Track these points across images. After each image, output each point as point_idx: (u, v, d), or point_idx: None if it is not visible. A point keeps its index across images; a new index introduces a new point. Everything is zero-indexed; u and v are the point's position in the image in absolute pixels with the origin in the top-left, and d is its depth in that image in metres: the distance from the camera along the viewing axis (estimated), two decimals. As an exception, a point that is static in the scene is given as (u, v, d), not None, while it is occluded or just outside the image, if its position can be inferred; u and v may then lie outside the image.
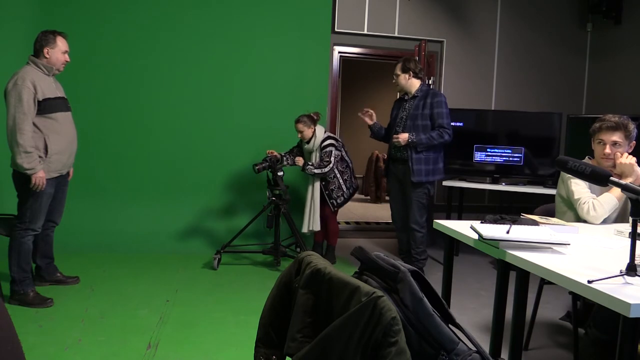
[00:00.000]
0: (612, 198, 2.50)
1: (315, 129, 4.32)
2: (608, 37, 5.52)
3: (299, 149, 4.52)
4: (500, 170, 4.92)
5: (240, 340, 2.79)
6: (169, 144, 4.91)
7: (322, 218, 4.39)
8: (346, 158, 4.41)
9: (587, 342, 2.58)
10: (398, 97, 4.29)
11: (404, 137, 3.87)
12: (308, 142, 4.34)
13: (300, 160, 4.30)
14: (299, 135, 4.34)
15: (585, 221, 2.54)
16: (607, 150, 2.56)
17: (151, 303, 3.30)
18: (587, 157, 2.71)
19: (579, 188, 2.57)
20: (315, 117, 4.34)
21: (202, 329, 2.94)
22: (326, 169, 4.27)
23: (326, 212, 4.41)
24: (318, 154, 4.33)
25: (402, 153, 3.97)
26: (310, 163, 4.28)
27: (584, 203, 2.52)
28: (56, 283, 3.56)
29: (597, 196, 2.56)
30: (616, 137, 2.55)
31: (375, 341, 1.04)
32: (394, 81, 4.08)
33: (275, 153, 4.29)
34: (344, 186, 4.39)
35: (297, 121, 4.29)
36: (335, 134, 4.94)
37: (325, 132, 4.39)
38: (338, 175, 4.35)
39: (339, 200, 4.41)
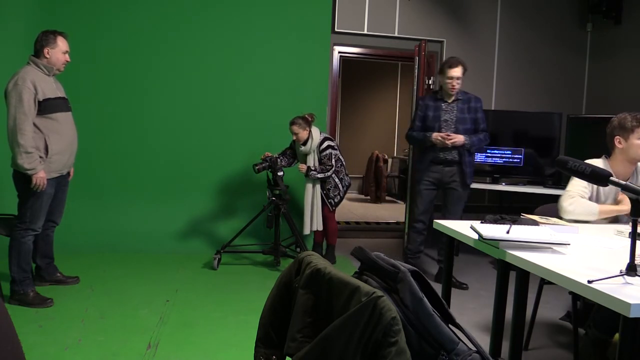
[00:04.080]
0: (595, 208, 2.51)
1: (310, 131, 4.31)
2: (608, 37, 5.52)
3: (292, 150, 4.50)
4: (501, 171, 4.92)
5: (240, 340, 2.79)
6: (169, 144, 4.90)
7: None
8: (341, 157, 4.42)
9: (587, 342, 2.58)
10: (426, 95, 4.06)
11: (460, 139, 3.82)
12: (304, 144, 4.32)
13: (303, 167, 4.28)
14: (294, 138, 4.33)
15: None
16: None
17: (151, 303, 3.30)
18: (603, 157, 2.65)
19: (578, 183, 2.56)
20: (309, 119, 4.33)
21: (202, 329, 2.94)
22: (329, 173, 4.28)
23: (324, 212, 4.41)
24: (316, 156, 4.32)
25: (453, 155, 3.90)
26: (313, 168, 4.27)
27: (571, 197, 2.54)
28: (56, 283, 3.56)
29: (606, 202, 2.57)
30: None
31: (375, 341, 1.04)
32: (456, 84, 3.88)
33: (271, 155, 4.29)
34: (340, 185, 4.40)
35: (292, 123, 4.26)
36: (334, 134, 4.93)
37: (320, 133, 4.38)
38: (334, 175, 4.35)
39: (336, 199, 4.42)
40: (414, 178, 4.86)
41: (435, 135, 3.85)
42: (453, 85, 3.88)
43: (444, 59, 5.51)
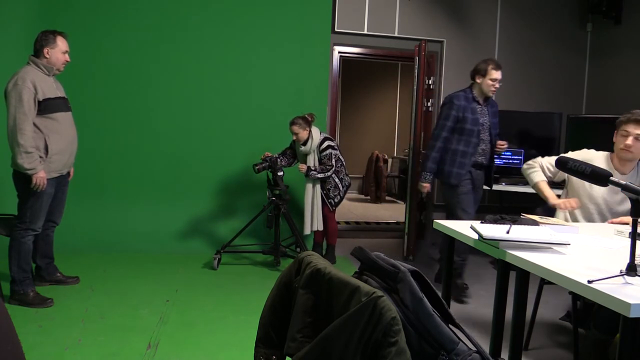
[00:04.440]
0: (534, 179, 2.85)
1: (310, 131, 4.31)
2: (608, 37, 5.52)
3: (292, 150, 4.50)
4: (501, 171, 4.92)
5: (240, 340, 2.79)
6: (169, 144, 4.90)
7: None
8: (341, 157, 4.42)
9: (587, 342, 2.58)
10: (458, 94, 3.82)
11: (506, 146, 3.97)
12: (304, 144, 4.32)
13: (303, 167, 4.28)
14: (294, 138, 4.32)
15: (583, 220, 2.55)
16: (629, 142, 2.57)
17: (151, 303, 3.30)
18: (608, 152, 2.74)
19: (551, 159, 2.81)
20: (309, 119, 4.32)
21: (202, 329, 2.94)
22: (329, 173, 4.28)
23: (325, 212, 4.41)
24: (316, 156, 4.32)
25: (487, 159, 3.88)
26: (313, 168, 4.27)
27: (534, 161, 2.92)
28: (56, 283, 3.56)
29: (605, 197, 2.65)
30: None
31: (375, 341, 1.04)
32: (498, 86, 3.74)
33: (271, 155, 4.28)
34: (340, 185, 4.40)
35: (292, 123, 4.26)
36: (334, 134, 4.93)
37: (320, 133, 4.38)
38: (334, 175, 4.35)
39: (336, 199, 4.42)
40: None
41: (425, 187, 3.85)
42: (496, 87, 3.75)
43: (444, 59, 5.51)
